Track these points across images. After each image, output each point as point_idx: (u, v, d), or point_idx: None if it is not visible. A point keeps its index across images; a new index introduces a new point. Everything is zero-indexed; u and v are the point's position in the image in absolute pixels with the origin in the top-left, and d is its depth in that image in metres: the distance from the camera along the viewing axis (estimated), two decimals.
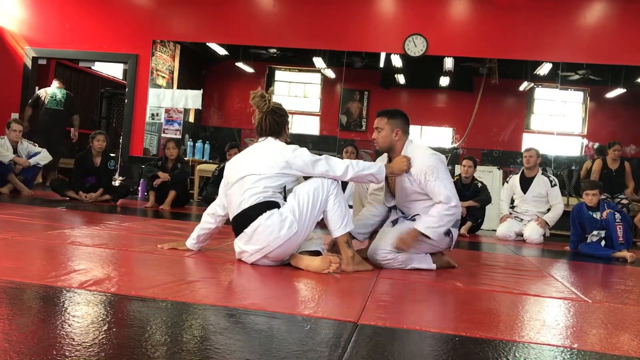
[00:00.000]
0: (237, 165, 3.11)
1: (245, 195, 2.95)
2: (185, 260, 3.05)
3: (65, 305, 1.92)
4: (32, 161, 6.87)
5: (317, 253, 3.12)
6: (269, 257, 2.97)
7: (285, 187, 3.02)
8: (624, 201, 6.98)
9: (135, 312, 1.93)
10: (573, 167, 8.68)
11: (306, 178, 3.15)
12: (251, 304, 2.13)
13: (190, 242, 3.31)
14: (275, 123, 3.13)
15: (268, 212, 2.89)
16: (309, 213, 2.94)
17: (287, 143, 3.18)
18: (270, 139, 3.13)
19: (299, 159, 3.01)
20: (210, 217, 3.27)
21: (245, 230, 2.93)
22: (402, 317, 2.20)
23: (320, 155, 3.11)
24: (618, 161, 7.37)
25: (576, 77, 9.11)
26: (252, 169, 2.99)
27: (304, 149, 3.08)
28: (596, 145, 8.76)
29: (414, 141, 3.41)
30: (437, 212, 3.23)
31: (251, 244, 2.94)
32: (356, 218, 3.57)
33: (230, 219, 3.09)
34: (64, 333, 1.59)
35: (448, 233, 3.35)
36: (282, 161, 2.99)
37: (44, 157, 7.05)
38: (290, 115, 3.31)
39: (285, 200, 2.99)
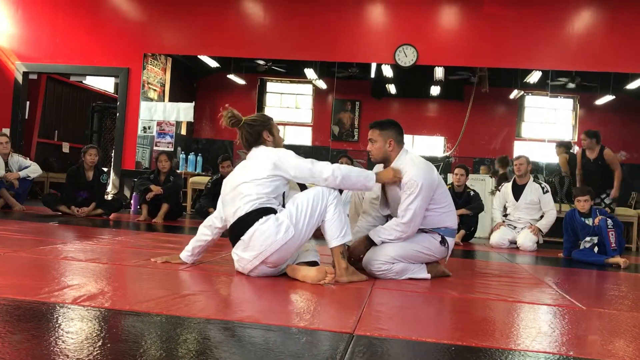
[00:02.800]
0: (231, 178, 3.14)
1: (240, 203, 2.96)
2: (179, 273, 3.04)
3: (59, 322, 1.91)
4: (22, 174, 6.83)
5: (314, 264, 3.13)
6: (268, 262, 2.96)
7: (283, 194, 3.04)
8: (607, 200, 6.96)
9: (130, 327, 1.92)
10: (564, 174, 8.72)
11: (301, 187, 3.17)
12: (246, 317, 2.12)
13: (185, 254, 3.30)
14: (249, 135, 3.17)
15: (264, 218, 2.90)
16: (306, 219, 2.95)
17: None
18: (254, 149, 3.17)
19: (283, 161, 3.03)
20: (207, 229, 3.26)
21: (242, 238, 2.94)
22: (398, 327, 2.20)
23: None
24: (595, 149, 7.05)
25: (565, 84, 9.18)
26: (244, 177, 3.03)
27: (289, 151, 3.11)
28: (564, 140, 8.70)
29: (410, 152, 3.42)
30: (389, 224, 3.31)
31: (249, 250, 2.94)
32: (354, 231, 3.55)
33: (221, 231, 3.12)
34: (58, 350, 1.57)
35: (443, 242, 3.36)
36: (270, 163, 3.01)
37: (34, 170, 7.02)
38: (281, 126, 3.33)
39: (283, 206, 3.01)
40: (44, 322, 1.88)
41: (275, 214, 2.93)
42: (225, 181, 3.21)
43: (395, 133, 3.40)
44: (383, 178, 3.31)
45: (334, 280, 2.94)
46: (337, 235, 3.01)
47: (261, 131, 3.17)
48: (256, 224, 2.89)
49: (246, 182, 2.99)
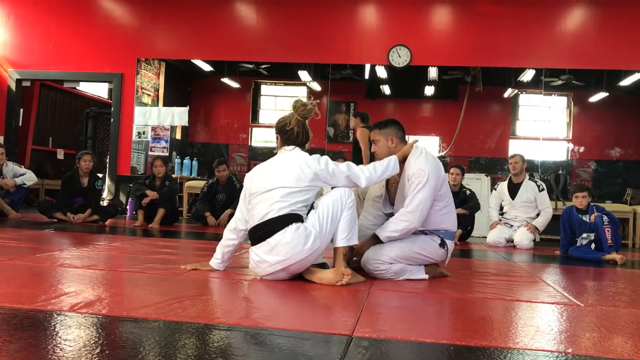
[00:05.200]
0: (262, 176, 3.10)
1: (272, 208, 2.95)
2: (176, 278, 3.03)
3: (57, 329, 1.90)
4: (18, 181, 6.80)
5: (323, 265, 3.14)
6: (289, 270, 2.97)
7: (312, 203, 3.04)
8: None
9: (128, 334, 1.91)
10: (560, 172, 8.74)
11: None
12: (243, 321, 2.11)
13: (215, 262, 3.28)
14: (307, 135, 3.17)
15: (294, 225, 2.90)
16: (328, 227, 2.97)
17: None
18: (297, 150, 3.13)
19: (324, 170, 3.03)
20: (232, 233, 3.24)
21: (268, 240, 2.93)
22: (396, 328, 2.19)
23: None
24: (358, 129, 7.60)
25: (559, 82, 9.21)
26: (281, 182, 3.00)
27: (327, 158, 3.11)
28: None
29: (422, 148, 3.41)
30: (395, 217, 3.30)
31: (273, 254, 2.94)
32: None
33: (249, 227, 3.09)
34: (56, 357, 1.56)
35: (443, 245, 3.36)
36: (310, 173, 3.00)
37: (29, 177, 6.99)
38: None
39: (308, 214, 3.01)
40: (42, 330, 1.87)
41: (302, 221, 2.94)
42: (252, 177, 3.16)
43: (396, 130, 3.43)
44: (405, 153, 3.33)
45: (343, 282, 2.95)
46: (345, 235, 3.02)
47: (310, 136, 3.20)
48: (287, 231, 2.89)
49: (284, 187, 2.97)
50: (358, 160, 7.19)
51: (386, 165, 3.21)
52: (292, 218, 2.93)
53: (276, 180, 3.01)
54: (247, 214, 3.16)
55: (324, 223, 2.96)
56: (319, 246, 2.95)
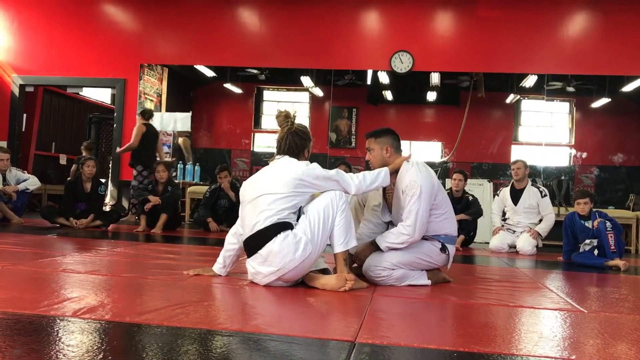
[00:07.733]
0: (252, 185, 3.12)
1: (260, 217, 2.95)
2: (179, 284, 3.03)
3: (59, 335, 1.90)
4: (21, 186, 6.82)
5: (325, 271, 3.13)
6: (284, 278, 2.96)
7: (300, 208, 3.03)
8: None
9: (131, 339, 1.91)
10: (562, 178, 8.74)
11: None
12: (247, 327, 2.11)
13: (218, 267, 3.29)
14: (294, 144, 3.14)
15: (283, 234, 2.89)
16: (320, 232, 2.95)
17: None
18: (286, 157, 3.12)
19: (310, 174, 3.01)
20: (233, 237, 3.25)
21: (260, 252, 2.93)
22: (399, 334, 2.19)
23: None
24: None
25: (561, 88, 9.21)
26: (267, 189, 3.00)
27: (316, 164, 3.10)
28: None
29: (414, 159, 3.41)
30: (396, 229, 3.29)
31: (266, 265, 2.94)
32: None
33: (243, 239, 3.10)
34: None
35: (444, 250, 3.36)
36: (296, 178, 2.98)
37: (32, 182, 7.01)
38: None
39: (298, 217, 3.00)
40: (44, 336, 1.87)
41: (292, 229, 2.93)
42: (244, 185, 3.19)
43: (391, 139, 3.42)
44: (397, 166, 3.34)
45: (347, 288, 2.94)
46: (342, 240, 3.00)
47: (305, 146, 3.18)
48: (276, 240, 2.88)
49: (269, 194, 2.97)
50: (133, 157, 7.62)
51: (376, 176, 3.20)
52: (280, 227, 2.91)
53: (263, 187, 3.02)
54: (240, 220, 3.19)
55: (316, 228, 2.93)
56: (311, 252, 2.92)
